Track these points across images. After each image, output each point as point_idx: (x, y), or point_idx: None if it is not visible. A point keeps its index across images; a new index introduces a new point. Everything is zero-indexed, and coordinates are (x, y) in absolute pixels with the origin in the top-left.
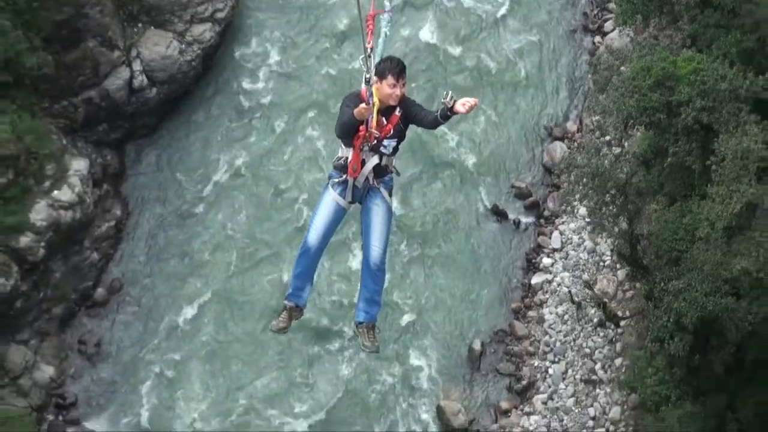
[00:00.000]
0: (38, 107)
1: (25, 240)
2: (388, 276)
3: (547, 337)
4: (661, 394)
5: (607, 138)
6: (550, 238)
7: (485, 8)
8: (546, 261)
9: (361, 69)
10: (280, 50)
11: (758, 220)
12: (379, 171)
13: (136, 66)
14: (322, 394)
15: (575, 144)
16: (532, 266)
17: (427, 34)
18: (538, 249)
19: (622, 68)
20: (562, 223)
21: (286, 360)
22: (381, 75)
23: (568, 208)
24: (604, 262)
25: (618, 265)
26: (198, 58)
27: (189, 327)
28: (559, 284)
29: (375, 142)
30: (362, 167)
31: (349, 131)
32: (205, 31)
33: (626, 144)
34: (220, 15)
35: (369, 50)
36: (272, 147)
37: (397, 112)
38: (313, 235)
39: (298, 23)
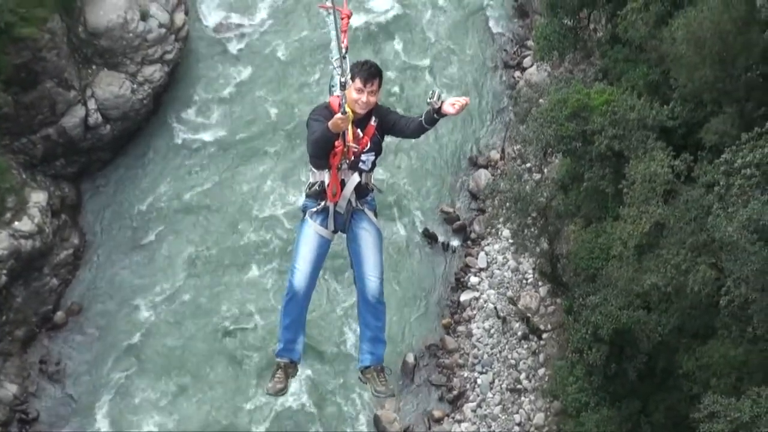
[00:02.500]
0: (0, 145)
1: None
2: (320, 297)
3: (475, 350)
4: (581, 401)
5: (528, 165)
6: (476, 258)
7: (413, 47)
8: (473, 280)
9: (326, 84)
10: (226, 86)
11: (665, 238)
12: (361, 190)
13: (91, 105)
14: (266, 406)
15: (498, 171)
16: (460, 285)
17: None
18: (466, 269)
19: (541, 100)
20: (488, 244)
21: (235, 376)
22: (351, 78)
23: (493, 230)
24: (526, 279)
25: (540, 283)
26: (149, 97)
27: (144, 346)
28: (485, 301)
29: (353, 158)
30: (342, 189)
31: (324, 148)
32: (155, 72)
33: (545, 170)
34: (168, 56)
35: (344, 51)
36: (220, 178)
37: (373, 122)
38: (299, 277)
39: (243, 59)
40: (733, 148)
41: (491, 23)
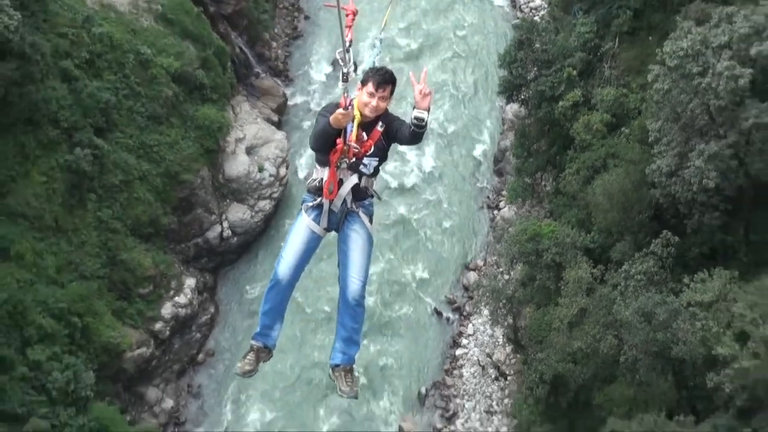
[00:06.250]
0: (168, 248)
1: (158, 325)
2: (365, 341)
3: (464, 386)
4: (531, 420)
5: (501, 270)
6: (467, 327)
7: (424, 198)
8: (464, 341)
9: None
10: None
11: (587, 318)
12: (358, 193)
13: (225, 225)
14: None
15: (482, 273)
16: (456, 344)
17: (384, 213)
18: (460, 334)
19: (510, 229)
20: (474, 319)
21: (299, 381)
22: (363, 82)
23: (478, 310)
24: (499, 341)
25: (507, 344)
26: (261, 221)
27: (255, 377)
28: (472, 355)
29: (354, 158)
30: (339, 188)
31: (324, 143)
32: (266, 205)
33: (512, 273)
34: (275, 195)
35: (348, 43)
36: (318, 278)
37: (379, 127)
38: (284, 267)
39: None
40: (630, 262)
41: (478, 180)
